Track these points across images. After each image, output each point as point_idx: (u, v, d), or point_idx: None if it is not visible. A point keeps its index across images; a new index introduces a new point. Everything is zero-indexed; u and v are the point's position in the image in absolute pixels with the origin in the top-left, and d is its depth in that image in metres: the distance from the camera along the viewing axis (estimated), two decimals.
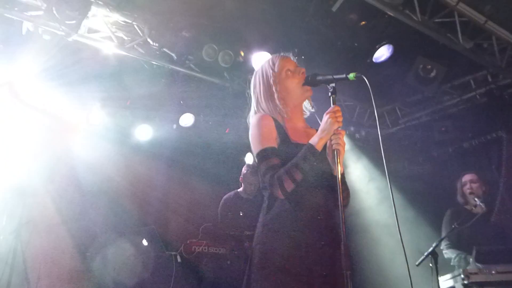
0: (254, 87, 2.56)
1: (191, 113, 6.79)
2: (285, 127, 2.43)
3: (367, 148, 7.32)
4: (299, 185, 2.22)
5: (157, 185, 8.53)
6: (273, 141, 2.33)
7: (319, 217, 2.27)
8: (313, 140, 2.26)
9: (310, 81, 2.42)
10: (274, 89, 2.46)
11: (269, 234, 2.27)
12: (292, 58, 2.59)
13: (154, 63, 5.64)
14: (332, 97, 2.30)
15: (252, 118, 2.44)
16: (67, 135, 5.89)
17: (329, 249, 2.21)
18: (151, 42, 5.31)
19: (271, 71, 2.51)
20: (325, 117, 2.26)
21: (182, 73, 6.00)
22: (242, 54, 5.71)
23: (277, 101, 2.45)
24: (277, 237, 2.24)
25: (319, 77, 2.37)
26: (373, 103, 2.27)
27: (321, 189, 2.32)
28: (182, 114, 6.81)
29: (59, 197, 5.61)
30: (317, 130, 2.38)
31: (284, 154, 2.30)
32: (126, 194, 6.27)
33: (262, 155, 2.30)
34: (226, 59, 5.65)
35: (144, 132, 7.12)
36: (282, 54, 2.62)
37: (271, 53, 5.53)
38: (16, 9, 4.67)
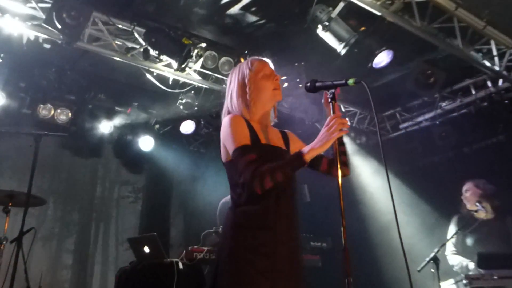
0: (229, 85, 2.61)
1: (191, 120, 6.79)
2: (254, 128, 2.44)
3: (368, 153, 7.33)
4: (275, 186, 2.23)
5: (158, 192, 8.56)
6: (247, 139, 2.34)
7: (286, 220, 2.33)
8: (304, 149, 2.25)
9: (309, 88, 2.42)
10: (247, 88, 2.51)
11: (238, 229, 2.29)
12: (270, 65, 2.62)
13: (154, 70, 5.65)
14: (332, 103, 2.31)
15: (224, 118, 2.46)
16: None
17: (294, 249, 2.32)
18: (150, 50, 5.32)
19: (247, 71, 2.55)
20: (323, 130, 2.24)
21: (182, 80, 6.01)
22: (242, 61, 5.73)
23: (248, 99, 2.49)
24: (246, 232, 2.27)
25: (318, 84, 2.38)
26: (373, 108, 2.27)
27: (288, 192, 2.38)
28: (183, 121, 6.82)
29: (62, 206, 5.62)
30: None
31: (257, 153, 2.31)
32: (127, 203, 6.28)
33: (239, 152, 2.29)
34: (226, 66, 5.68)
35: (145, 142, 7.14)
36: (261, 58, 2.65)
37: (271, 60, 5.59)
38: (16, 18, 4.72)
